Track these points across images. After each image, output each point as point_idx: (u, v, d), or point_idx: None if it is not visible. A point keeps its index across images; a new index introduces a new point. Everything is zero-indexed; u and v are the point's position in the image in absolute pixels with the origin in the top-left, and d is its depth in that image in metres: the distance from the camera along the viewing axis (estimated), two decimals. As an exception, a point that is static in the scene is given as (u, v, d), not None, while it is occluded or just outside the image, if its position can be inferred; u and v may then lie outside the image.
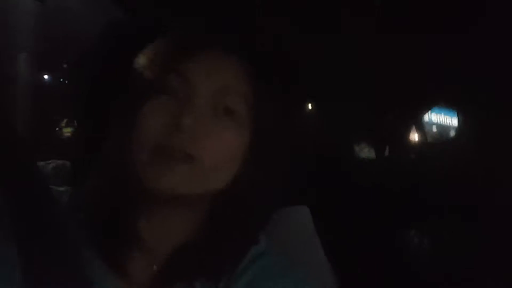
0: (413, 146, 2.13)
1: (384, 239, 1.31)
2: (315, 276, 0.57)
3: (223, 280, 0.51)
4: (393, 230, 1.37)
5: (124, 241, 0.50)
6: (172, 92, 0.50)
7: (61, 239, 0.47)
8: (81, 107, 0.58)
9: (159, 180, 0.47)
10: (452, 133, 2.18)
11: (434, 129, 2.22)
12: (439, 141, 2.12)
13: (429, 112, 2.16)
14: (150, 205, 0.51)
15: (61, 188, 0.56)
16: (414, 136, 2.13)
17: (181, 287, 0.50)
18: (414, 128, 2.14)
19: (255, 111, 0.53)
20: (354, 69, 1.57)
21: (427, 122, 2.15)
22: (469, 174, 1.55)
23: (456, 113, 2.02)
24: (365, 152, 2.41)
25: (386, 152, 2.06)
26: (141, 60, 0.52)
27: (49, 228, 0.47)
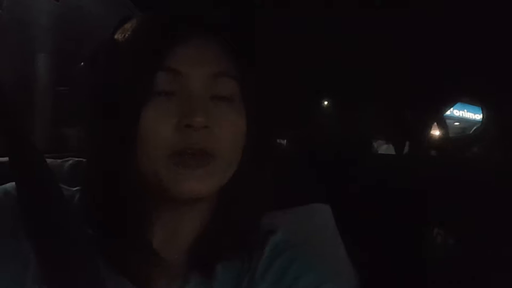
0: (434, 143, 2.07)
1: (404, 239, 1.27)
2: (336, 273, 0.56)
3: (246, 272, 0.51)
4: (413, 228, 1.33)
5: (136, 245, 0.50)
6: (168, 90, 0.48)
7: (72, 240, 0.48)
8: (90, 109, 0.57)
9: (182, 185, 0.46)
10: (475, 130, 2.10)
11: (457, 125, 2.14)
12: (461, 138, 2.05)
13: (452, 108, 2.09)
14: (164, 207, 0.51)
15: (74, 188, 0.56)
16: (435, 133, 2.07)
17: (199, 275, 0.50)
18: (435, 124, 2.08)
19: (246, 95, 0.52)
20: (370, 62, 1.52)
21: (449, 118, 2.08)
22: (493, 173, 1.49)
23: (480, 109, 1.95)
24: (383, 148, 2.35)
25: (406, 149, 2.00)
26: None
27: (59, 228, 0.48)
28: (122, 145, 0.47)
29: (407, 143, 2.13)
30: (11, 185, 0.52)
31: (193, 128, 0.46)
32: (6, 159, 0.51)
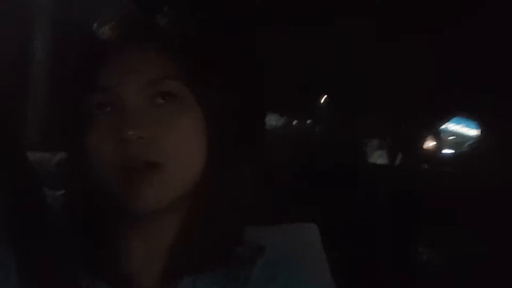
0: (428, 155, 2.04)
1: (393, 256, 1.24)
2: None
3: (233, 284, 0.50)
4: (402, 246, 1.29)
5: (111, 256, 0.49)
6: (104, 108, 0.48)
7: (53, 245, 0.48)
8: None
9: (134, 200, 0.46)
10: (470, 145, 2.07)
11: (452, 139, 2.12)
12: (456, 153, 2.02)
13: (448, 122, 2.07)
14: (135, 222, 0.50)
15: (58, 192, 0.55)
16: (429, 145, 2.04)
17: (184, 286, 0.49)
18: (430, 137, 2.05)
19: (196, 91, 0.49)
20: (366, 69, 1.49)
21: (445, 132, 2.05)
22: (484, 188, 1.47)
23: (476, 124, 1.92)
24: (375, 157, 2.32)
25: (398, 160, 1.97)
26: (66, 82, 0.53)
27: (41, 232, 0.47)
28: (75, 164, 0.49)
29: (400, 154, 2.11)
30: None
31: (128, 141, 0.45)
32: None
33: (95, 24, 0.50)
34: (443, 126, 2.09)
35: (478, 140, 1.98)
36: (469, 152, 1.96)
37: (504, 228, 1.26)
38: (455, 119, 2.08)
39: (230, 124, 0.52)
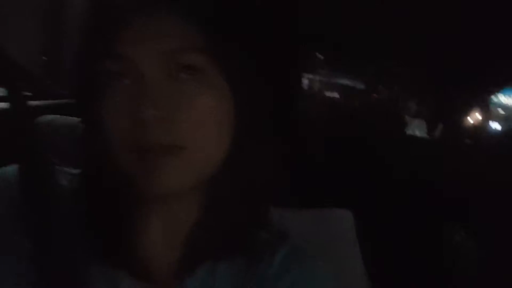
0: (473, 129, 1.88)
1: (426, 237, 1.16)
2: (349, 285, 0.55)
3: (252, 275, 0.48)
4: (436, 227, 1.21)
5: (126, 243, 0.47)
6: (123, 79, 0.42)
7: (65, 229, 0.46)
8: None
9: (151, 183, 0.42)
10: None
11: (502, 114, 1.93)
12: (505, 128, 1.85)
13: (499, 93, 1.87)
14: (152, 204, 0.48)
15: (74, 171, 0.52)
16: (476, 118, 1.87)
17: (203, 273, 0.47)
18: (476, 108, 1.88)
19: (224, 66, 0.44)
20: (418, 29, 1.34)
21: (493, 104, 1.87)
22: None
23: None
24: (414, 126, 2.19)
25: (437, 132, 1.83)
26: (82, 50, 0.45)
27: (54, 222, 0.46)
28: (92, 143, 0.45)
29: (441, 125, 1.96)
30: (10, 170, 0.49)
31: (146, 121, 0.40)
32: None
33: None
34: (491, 97, 1.90)
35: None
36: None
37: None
38: (506, 89, 1.87)
39: (260, 104, 0.47)
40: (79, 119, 0.73)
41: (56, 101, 1.28)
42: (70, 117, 0.75)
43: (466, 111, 1.90)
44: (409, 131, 1.91)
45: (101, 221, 0.47)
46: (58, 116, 0.75)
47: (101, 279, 0.45)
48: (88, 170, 0.49)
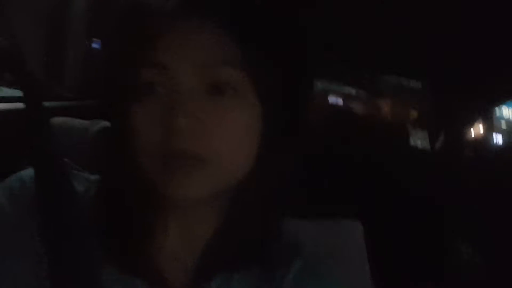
0: (474, 142, 1.88)
1: (433, 255, 1.16)
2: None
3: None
4: (442, 244, 1.21)
5: (143, 249, 0.48)
6: (157, 88, 0.44)
7: (81, 240, 0.47)
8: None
9: (174, 189, 0.43)
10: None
11: (504, 126, 1.93)
12: (507, 142, 1.85)
13: (502, 106, 1.88)
14: (170, 206, 0.49)
15: (93, 177, 0.53)
16: (478, 131, 1.87)
17: (219, 282, 0.48)
18: (480, 120, 1.88)
19: (259, 85, 0.45)
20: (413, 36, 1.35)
21: (497, 117, 1.87)
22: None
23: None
24: (417, 138, 2.19)
25: (439, 144, 1.83)
26: (117, 56, 0.47)
27: (69, 227, 0.47)
28: (117, 147, 0.46)
29: (442, 136, 1.96)
30: (27, 174, 0.50)
31: (176, 129, 0.42)
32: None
33: None
34: (494, 110, 1.90)
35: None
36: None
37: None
38: (510, 103, 1.88)
39: (286, 123, 0.48)
40: (89, 121, 0.73)
41: (61, 102, 1.28)
42: (79, 120, 0.75)
43: (469, 124, 1.91)
44: (412, 142, 1.92)
45: (119, 228, 0.47)
46: (69, 118, 0.75)
47: (117, 287, 0.45)
48: (108, 176, 0.50)
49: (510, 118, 1.97)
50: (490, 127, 1.87)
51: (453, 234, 1.24)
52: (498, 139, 1.98)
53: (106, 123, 0.69)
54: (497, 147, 1.98)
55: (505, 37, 1.31)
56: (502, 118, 1.95)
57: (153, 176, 0.44)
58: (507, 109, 1.98)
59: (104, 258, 0.46)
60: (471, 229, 1.26)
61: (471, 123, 1.96)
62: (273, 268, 0.49)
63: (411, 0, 1.20)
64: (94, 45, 1.52)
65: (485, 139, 1.87)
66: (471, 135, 1.90)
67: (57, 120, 0.71)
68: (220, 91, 0.43)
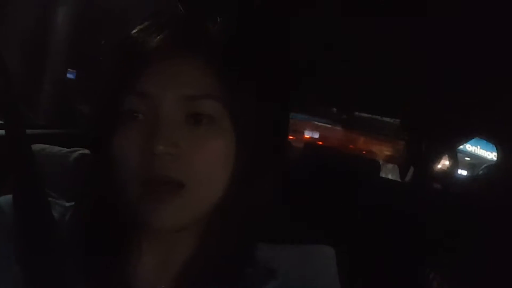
0: (441, 175, 1.98)
1: (401, 279, 1.19)
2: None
3: None
4: (411, 271, 1.25)
5: (120, 270, 0.48)
6: (138, 115, 0.45)
7: (59, 265, 0.47)
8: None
9: (151, 218, 0.44)
10: (485, 168, 2.01)
11: (467, 160, 2.06)
12: (470, 175, 1.96)
13: (466, 143, 2.00)
14: (151, 235, 0.49)
15: (68, 204, 0.53)
16: (444, 164, 1.97)
17: None
18: (446, 156, 1.99)
19: (233, 115, 0.47)
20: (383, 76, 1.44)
21: (460, 152, 1.99)
22: (497, 214, 1.41)
23: (495, 147, 1.86)
24: (387, 170, 2.27)
25: (409, 177, 1.91)
26: (103, 82, 0.48)
27: (46, 252, 0.47)
28: (97, 174, 0.47)
29: (412, 170, 2.05)
30: (4, 199, 0.50)
31: (156, 156, 0.43)
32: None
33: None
34: (460, 146, 2.03)
35: (495, 164, 1.92)
36: (483, 176, 1.90)
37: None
38: (473, 140, 2.02)
39: (259, 152, 0.50)
40: (69, 149, 0.73)
41: (41, 130, 1.28)
42: (58, 147, 0.75)
43: (436, 159, 2.01)
44: (383, 175, 1.99)
45: (94, 254, 0.47)
46: (47, 145, 0.75)
47: None
48: (86, 203, 0.50)
49: (473, 153, 2.09)
50: (455, 163, 1.98)
51: (420, 259, 1.28)
52: (462, 172, 2.09)
53: (85, 151, 0.70)
54: (461, 179, 2.08)
55: (462, 91, 1.43)
56: (466, 154, 2.07)
57: (133, 203, 0.44)
58: (470, 147, 2.12)
59: (81, 283, 0.46)
60: (437, 255, 1.31)
61: (437, 159, 2.06)
62: None
63: (384, 49, 1.29)
64: (69, 75, 1.54)
65: (451, 172, 1.97)
66: (438, 170, 2.00)
67: (36, 147, 0.71)
68: (198, 120, 0.45)
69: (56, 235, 0.48)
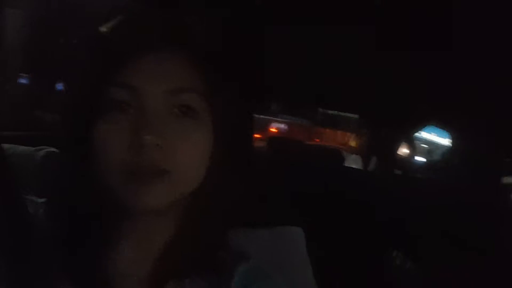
0: (401, 162, 2.09)
1: (367, 259, 1.26)
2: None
3: None
4: (376, 251, 1.32)
5: (101, 257, 0.49)
6: (122, 106, 0.46)
7: (35, 257, 0.47)
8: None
9: (135, 199, 0.46)
10: (442, 153, 2.14)
11: (424, 147, 2.20)
12: (428, 160, 2.09)
13: (421, 130, 2.13)
14: (126, 218, 0.50)
15: (40, 200, 0.53)
16: (403, 152, 2.09)
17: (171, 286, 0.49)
18: (403, 144, 2.10)
19: (213, 108, 0.50)
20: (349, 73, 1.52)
21: (417, 140, 2.11)
22: (453, 195, 1.52)
23: (448, 134, 1.99)
24: (351, 160, 2.37)
25: (372, 165, 2.01)
26: (88, 72, 0.49)
27: (22, 244, 0.47)
28: (77, 159, 0.47)
29: (374, 159, 2.16)
30: None
31: (143, 146, 0.44)
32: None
33: (124, 17, 0.48)
34: (416, 134, 2.16)
35: (448, 149, 2.04)
36: (439, 160, 2.02)
37: (473, 236, 1.30)
38: (428, 128, 2.16)
39: (234, 141, 0.53)
40: (33, 147, 0.73)
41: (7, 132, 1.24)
42: (22, 146, 0.75)
43: (395, 147, 2.12)
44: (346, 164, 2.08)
45: (71, 243, 0.48)
46: (12, 145, 0.75)
47: None
48: (62, 194, 0.51)
49: (429, 140, 2.23)
50: (413, 149, 2.10)
51: (384, 240, 1.36)
52: (419, 158, 2.21)
53: (51, 149, 0.70)
54: (419, 164, 2.21)
55: (414, 82, 1.53)
56: (423, 141, 2.21)
57: (115, 189, 0.45)
58: (426, 134, 2.27)
59: (59, 274, 0.46)
60: (400, 236, 1.39)
61: (396, 147, 2.18)
62: (220, 275, 0.51)
63: (350, 49, 1.36)
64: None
65: (409, 159, 2.09)
66: (398, 157, 2.11)
67: (2, 146, 0.71)
68: (182, 112, 0.47)
69: (32, 228, 0.48)
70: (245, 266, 0.52)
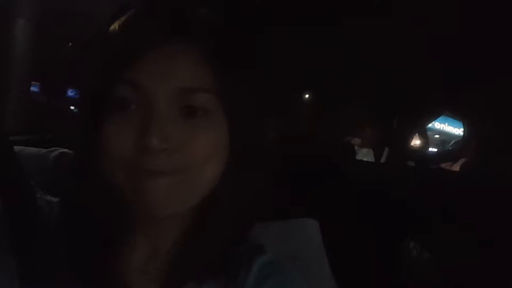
0: (413, 153, 2.07)
1: (383, 251, 1.25)
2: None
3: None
4: (391, 241, 1.31)
5: (114, 257, 0.48)
6: (130, 105, 0.44)
7: (49, 257, 0.47)
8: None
9: (145, 205, 0.44)
10: (454, 144, 2.11)
11: (437, 137, 2.17)
12: (441, 151, 2.06)
13: (434, 121, 2.11)
14: (144, 221, 0.49)
15: (55, 200, 0.53)
16: (416, 143, 2.07)
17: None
18: (416, 135, 2.08)
19: (227, 106, 0.47)
20: (357, 65, 1.51)
21: (430, 131, 2.09)
22: (466, 187, 1.50)
23: (461, 124, 1.96)
24: (363, 153, 2.35)
25: (384, 157, 1.99)
26: (95, 69, 0.47)
27: (36, 244, 0.47)
28: (86, 158, 0.46)
29: (387, 150, 2.14)
30: None
31: (150, 149, 0.42)
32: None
33: (132, 14, 0.47)
34: (429, 125, 2.13)
35: (462, 139, 2.02)
36: (453, 151, 1.99)
37: (488, 226, 1.28)
38: (441, 118, 2.13)
39: (252, 141, 0.50)
40: (46, 149, 0.74)
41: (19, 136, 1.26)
42: (35, 148, 0.76)
43: (408, 138, 2.10)
44: (359, 157, 2.07)
45: (85, 245, 0.47)
46: (25, 147, 0.76)
47: None
48: (75, 195, 0.49)
49: (441, 130, 2.20)
50: (426, 140, 2.07)
51: (399, 231, 1.35)
52: (433, 148, 2.19)
53: (64, 150, 0.71)
54: (433, 155, 2.18)
55: (428, 72, 1.51)
56: (435, 131, 2.18)
57: (125, 189, 0.44)
58: (439, 124, 2.23)
59: (71, 275, 0.46)
60: (416, 227, 1.37)
61: (409, 138, 2.15)
62: (237, 269, 0.50)
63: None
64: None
65: (422, 149, 2.07)
66: (411, 148, 2.09)
67: (16, 148, 0.71)
68: (192, 113, 0.44)
69: (46, 227, 0.48)
70: (263, 259, 0.51)
